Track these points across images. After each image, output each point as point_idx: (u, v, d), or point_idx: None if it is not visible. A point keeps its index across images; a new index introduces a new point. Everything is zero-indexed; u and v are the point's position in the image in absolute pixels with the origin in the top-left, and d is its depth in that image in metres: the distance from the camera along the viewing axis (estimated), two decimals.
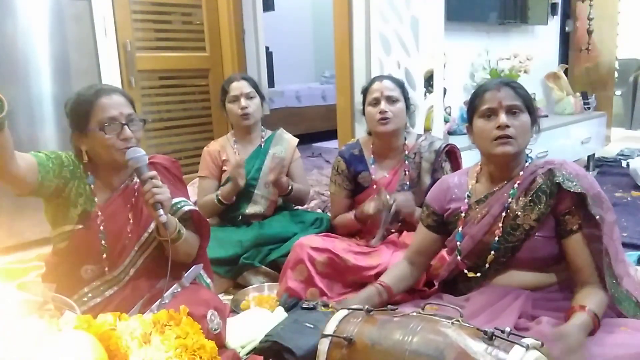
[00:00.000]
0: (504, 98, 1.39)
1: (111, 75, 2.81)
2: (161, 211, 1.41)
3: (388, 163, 2.11)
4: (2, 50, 2.42)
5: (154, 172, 1.45)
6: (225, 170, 2.37)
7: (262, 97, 2.40)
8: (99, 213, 1.51)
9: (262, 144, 2.41)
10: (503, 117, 1.38)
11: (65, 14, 2.61)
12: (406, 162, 2.08)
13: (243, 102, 2.31)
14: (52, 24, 2.58)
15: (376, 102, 2.02)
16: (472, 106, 1.47)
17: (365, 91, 2.10)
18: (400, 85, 2.08)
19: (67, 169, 1.49)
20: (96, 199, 1.52)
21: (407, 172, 2.06)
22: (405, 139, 2.11)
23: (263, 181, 2.34)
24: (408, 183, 2.06)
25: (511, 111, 1.39)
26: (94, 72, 2.72)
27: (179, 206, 1.58)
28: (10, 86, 2.46)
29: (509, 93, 1.40)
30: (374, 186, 2.08)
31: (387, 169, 2.10)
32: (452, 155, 2.12)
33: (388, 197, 1.91)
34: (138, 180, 1.53)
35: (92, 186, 1.53)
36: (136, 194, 1.56)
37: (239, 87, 2.33)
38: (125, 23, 3.05)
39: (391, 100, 2.01)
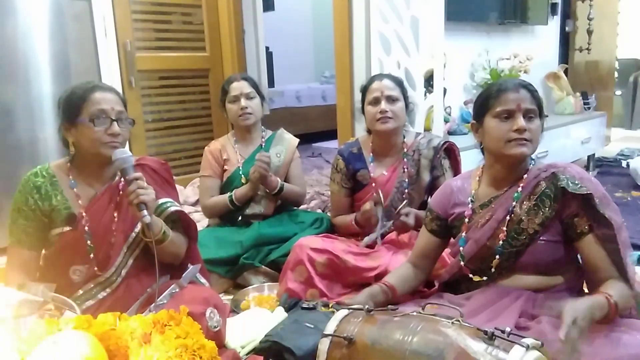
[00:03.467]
0: (523, 101, 1.38)
1: (111, 75, 2.81)
2: (145, 212, 1.41)
3: (387, 161, 2.12)
4: (2, 50, 2.42)
5: (139, 174, 1.46)
6: (226, 170, 2.37)
7: (262, 97, 2.40)
8: (84, 214, 1.51)
9: (263, 144, 2.41)
10: (522, 121, 1.36)
11: (65, 14, 2.61)
12: (405, 159, 2.08)
13: (243, 102, 2.31)
14: (52, 24, 2.58)
15: (376, 101, 2.02)
16: (485, 105, 1.43)
17: (364, 90, 2.10)
18: (399, 83, 2.08)
19: (33, 199, 1.49)
20: (80, 201, 1.53)
21: (405, 170, 2.07)
22: (404, 137, 2.11)
23: None
24: (407, 180, 2.06)
25: (527, 115, 1.38)
26: (94, 72, 2.72)
27: (164, 207, 1.58)
28: (10, 86, 2.46)
29: (527, 96, 1.39)
30: (373, 184, 2.09)
31: (386, 167, 2.11)
32: (451, 153, 2.13)
33: (382, 196, 1.93)
34: (122, 180, 1.55)
35: (74, 190, 1.53)
36: (120, 192, 1.56)
37: (239, 87, 2.32)
38: (125, 23, 3.05)
39: (391, 99, 2.01)
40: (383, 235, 1.99)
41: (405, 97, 2.08)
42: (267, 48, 4.39)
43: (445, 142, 2.10)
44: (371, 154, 2.13)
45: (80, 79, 2.60)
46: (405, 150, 2.09)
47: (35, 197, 1.50)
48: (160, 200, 1.55)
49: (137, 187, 1.42)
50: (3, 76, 2.44)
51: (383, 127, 2.02)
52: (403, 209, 1.93)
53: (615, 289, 1.27)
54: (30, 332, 1.16)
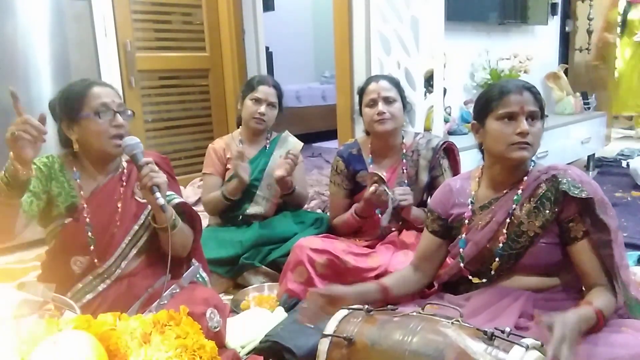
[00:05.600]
0: (526, 103, 1.37)
1: (111, 75, 2.81)
2: (158, 194, 1.41)
3: (386, 162, 2.11)
4: (2, 50, 2.42)
5: (150, 158, 1.47)
6: (229, 169, 2.37)
7: (280, 109, 2.39)
8: (85, 205, 1.52)
9: (267, 146, 2.41)
10: (525, 124, 1.36)
11: (65, 14, 2.61)
12: (404, 160, 2.08)
13: (263, 108, 2.30)
14: (52, 24, 2.58)
15: (373, 103, 2.02)
16: (487, 106, 1.42)
17: (361, 92, 2.09)
18: (396, 84, 2.08)
19: (40, 180, 1.49)
20: (82, 192, 1.53)
21: (405, 171, 2.06)
22: (403, 138, 2.11)
23: (266, 182, 2.34)
24: (406, 181, 2.06)
25: (530, 117, 1.38)
26: (94, 72, 2.72)
27: (168, 199, 1.58)
28: (10, 86, 2.46)
29: (530, 98, 1.38)
30: None
31: (385, 168, 2.10)
32: (450, 153, 2.12)
33: (384, 175, 1.91)
34: (125, 171, 1.57)
35: (77, 181, 1.54)
36: (124, 184, 1.58)
37: (266, 92, 2.30)
38: (125, 23, 3.06)
39: (388, 101, 2.01)
40: (390, 220, 1.95)
41: (403, 98, 2.08)
42: (267, 48, 4.38)
43: (444, 142, 2.10)
44: (370, 156, 2.13)
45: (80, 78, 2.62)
46: (404, 151, 2.09)
47: (40, 176, 1.50)
48: None
49: (149, 171, 1.43)
50: (3, 76, 2.44)
51: (381, 128, 2.01)
52: (395, 192, 1.91)
53: (601, 299, 1.26)
54: (30, 332, 1.16)
